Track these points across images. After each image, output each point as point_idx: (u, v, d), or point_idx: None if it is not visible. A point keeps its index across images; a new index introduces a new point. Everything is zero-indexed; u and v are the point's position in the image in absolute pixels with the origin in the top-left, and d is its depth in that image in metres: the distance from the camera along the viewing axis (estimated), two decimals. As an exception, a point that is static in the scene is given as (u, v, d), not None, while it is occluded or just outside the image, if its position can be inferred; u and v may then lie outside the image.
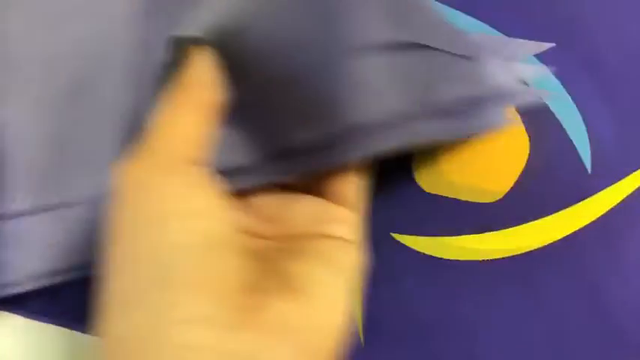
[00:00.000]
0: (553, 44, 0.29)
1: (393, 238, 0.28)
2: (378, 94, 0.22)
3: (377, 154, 0.23)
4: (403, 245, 0.28)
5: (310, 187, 0.24)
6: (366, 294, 0.28)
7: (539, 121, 0.28)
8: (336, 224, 0.23)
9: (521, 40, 0.28)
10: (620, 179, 0.28)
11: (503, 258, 0.28)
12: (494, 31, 0.29)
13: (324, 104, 0.22)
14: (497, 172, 0.28)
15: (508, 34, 0.29)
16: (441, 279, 0.28)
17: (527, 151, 0.28)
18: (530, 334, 0.28)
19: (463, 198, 0.28)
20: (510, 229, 0.28)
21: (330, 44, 0.22)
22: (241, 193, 0.24)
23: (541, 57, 0.28)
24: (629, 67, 0.29)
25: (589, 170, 0.28)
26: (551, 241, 0.28)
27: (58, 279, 0.27)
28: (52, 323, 0.28)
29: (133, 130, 0.27)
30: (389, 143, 0.23)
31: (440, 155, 0.28)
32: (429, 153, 0.28)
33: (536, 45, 0.28)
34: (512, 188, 0.28)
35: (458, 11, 0.29)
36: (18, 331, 0.28)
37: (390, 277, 0.28)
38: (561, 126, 0.28)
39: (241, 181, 0.24)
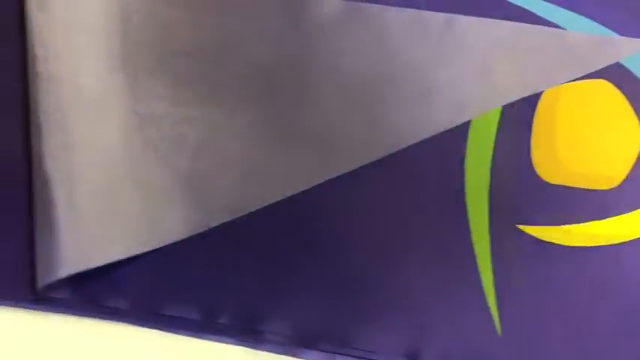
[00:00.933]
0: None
1: (519, 229, 0.29)
2: None
3: None
4: (530, 235, 0.29)
5: None
6: (499, 285, 0.29)
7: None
8: None
9: (630, 39, 0.30)
10: None
11: (624, 242, 0.29)
12: (606, 29, 0.30)
13: None
14: (613, 159, 0.29)
15: (619, 33, 0.30)
16: (568, 265, 0.29)
17: (640, 138, 0.30)
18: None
19: (582, 186, 0.29)
20: (629, 213, 0.29)
21: None
22: None
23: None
24: None
25: (700, 153, 0.29)
26: (669, 223, 0.29)
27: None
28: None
29: None
30: None
31: (558, 145, 0.29)
32: (548, 144, 0.29)
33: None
34: (628, 174, 0.29)
35: (570, 11, 0.30)
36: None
37: (520, 267, 0.29)
38: (670, 113, 0.30)
39: None
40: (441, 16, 0.30)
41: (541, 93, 0.30)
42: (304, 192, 0.29)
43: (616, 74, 0.30)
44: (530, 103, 0.30)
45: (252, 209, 0.29)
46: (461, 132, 0.30)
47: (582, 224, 0.29)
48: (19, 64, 0.29)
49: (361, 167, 0.29)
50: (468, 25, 0.30)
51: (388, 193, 0.29)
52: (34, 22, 0.29)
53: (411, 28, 0.30)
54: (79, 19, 0.29)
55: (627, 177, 0.29)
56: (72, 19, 0.29)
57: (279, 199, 0.29)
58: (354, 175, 0.29)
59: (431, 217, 0.29)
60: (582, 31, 0.30)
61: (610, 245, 0.29)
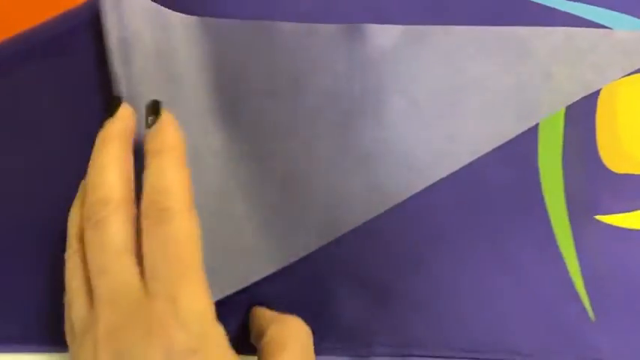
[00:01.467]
0: None
1: (597, 220, 0.31)
2: None
3: None
4: (607, 224, 0.31)
5: None
6: (586, 273, 0.30)
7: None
8: None
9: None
10: None
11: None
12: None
13: None
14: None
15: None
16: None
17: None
18: None
19: (648, 172, 0.31)
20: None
21: None
22: None
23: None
24: None
25: None
26: None
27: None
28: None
29: None
30: None
31: (621, 138, 0.32)
32: (612, 137, 0.31)
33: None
34: (689, 158, 0.32)
35: (615, 11, 0.32)
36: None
37: (603, 254, 0.31)
38: None
39: None
40: (499, 29, 0.32)
41: (599, 90, 0.32)
42: (392, 208, 0.31)
43: (665, 65, 0.32)
44: (590, 100, 0.32)
45: (343, 232, 0.31)
46: (531, 133, 0.31)
47: (653, 208, 0.31)
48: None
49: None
50: (527, 34, 0.32)
51: (471, 200, 0.31)
52: (119, 75, 0.30)
53: (472, 43, 0.32)
54: (163, 69, 0.30)
55: (688, 160, 0.32)
56: (155, 70, 0.30)
57: (365, 220, 0.31)
58: (436, 186, 0.31)
59: (514, 216, 0.31)
60: (628, 28, 0.32)
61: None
